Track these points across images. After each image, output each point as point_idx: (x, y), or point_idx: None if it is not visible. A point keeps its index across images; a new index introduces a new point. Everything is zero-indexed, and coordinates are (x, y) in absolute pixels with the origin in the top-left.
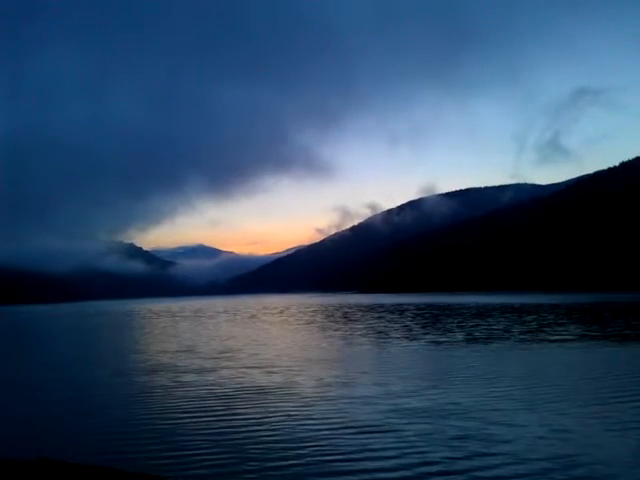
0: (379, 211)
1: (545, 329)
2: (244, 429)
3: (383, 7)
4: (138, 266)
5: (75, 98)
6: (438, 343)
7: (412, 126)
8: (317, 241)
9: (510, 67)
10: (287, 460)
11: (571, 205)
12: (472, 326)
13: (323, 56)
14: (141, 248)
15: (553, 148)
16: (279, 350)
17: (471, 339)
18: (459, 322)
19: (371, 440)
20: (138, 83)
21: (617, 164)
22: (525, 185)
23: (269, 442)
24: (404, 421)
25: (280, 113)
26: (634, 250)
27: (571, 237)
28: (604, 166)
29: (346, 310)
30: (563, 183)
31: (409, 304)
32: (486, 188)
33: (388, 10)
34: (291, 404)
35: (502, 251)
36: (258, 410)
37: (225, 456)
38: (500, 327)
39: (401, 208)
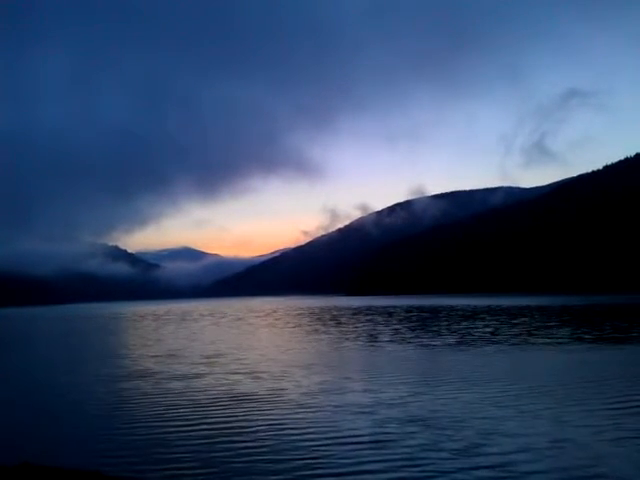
0: (368, 213)
1: (536, 332)
2: (229, 439)
3: (380, 4)
4: (122, 269)
5: (57, 96)
6: (428, 347)
7: (405, 127)
8: (304, 243)
9: (507, 68)
10: (274, 474)
11: (557, 208)
12: (462, 329)
13: (316, 55)
14: (125, 250)
15: (543, 150)
16: (266, 355)
17: (462, 342)
18: (449, 325)
19: (364, 452)
20: (123, 79)
21: (601, 167)
22: (515, 188)
23: (255, 454)
24: (397, 431)
25: (271, 112)
26: (619, 253)
27: (558, 239)
28: (592, 169)
29: (334, 313)
30: (548, 186)
31: (397, 306)
32: (476, 190)
33: (385, 8)
34: (279, 413)
35: (490, 254)
36: (244, 419)
37: (208, 464)
38: (490, 330)
39: (391, 209)
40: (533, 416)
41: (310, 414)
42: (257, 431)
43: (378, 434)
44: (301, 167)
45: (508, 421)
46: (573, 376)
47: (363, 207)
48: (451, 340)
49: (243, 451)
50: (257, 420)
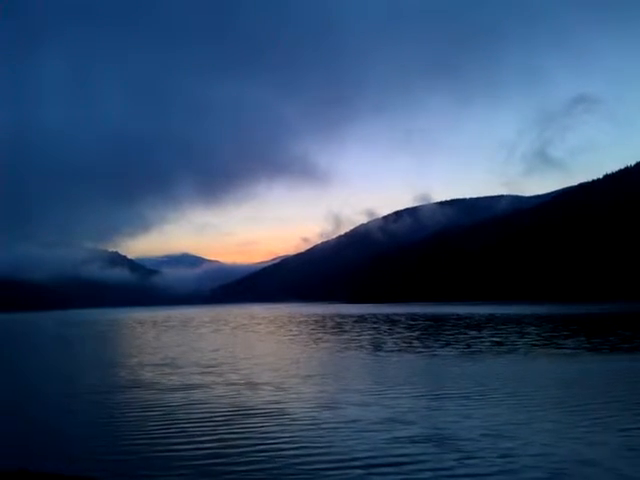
0: (371, 219)
1: (545, 341)
2: (223, 454)
3: (391, 8)
4: (122, 274)
5: (57, 98)
6: (436, 356)
7: (413, 133)
8: (306, 249)
9: (518, 74)
10: None
11: (558, 216)
12: (469, 338)
13: (326, 59)
14: (125, 256)
15: (548, 157)
16: (267, 364)
17: (470, 352)
18: (455, 334)
19: (370, 475)
20: (125, 81)
21: (601, 176)
22: (519, 196)
23: (249, 471)
24: (409, 451)
25: (278, 116)
26: (620, 262)
27: (560, 248)
28: (596, 176)
29: (337, 320)
30: (553, 192)
31: (401, 314)
32: (481, 198)
33: (396, 13)
34: (278, 429)
35: (492, 262)
36: (240, 435)
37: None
38: (498, 339)
39: (394, 216)
40: (555, 434)
41: (312, 431)
42: (253, 448)
43: (387, 453)
44: (307, 173)
45: (528, 439)
46: (591, 389)
47: (368, 214)
48: (459, 350)
49: (236, 468)
50: (254, 437)
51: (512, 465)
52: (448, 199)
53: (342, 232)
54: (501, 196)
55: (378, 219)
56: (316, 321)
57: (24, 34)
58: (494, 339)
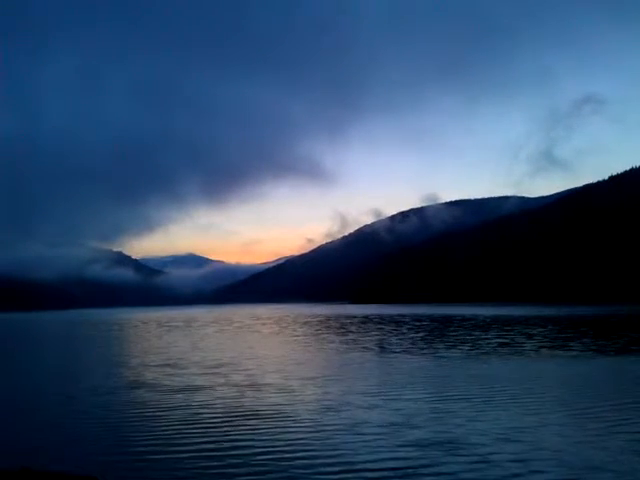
0: (377, 219)
1: (552, 343)
2: (227, 458)
3: (397, 8)
4: (126, 274)
5: (62, 98)
6: (443, 358)
7: (420, 133)
8: (310, 250)
9: (527, 73)
10: None
11: (563, 217)
12: (475, 339)
13: (333, 57)
14: (130, 256)
15: (555, 158)
16: (271, 365)
17: (477, 354)
18: (460, 335)
19: None
20: (130, 81)
21: (606, 177)
22: (527, 197)
23: (259, 478)
24: (421, 458)
25: (283, 115)
26: (624, 263)
27: (565, 250)
28: (601, 178)
29: (342, 321)
30: (555, 195)
31: (405, 315)
32: (488, 198)
33: (402, 12)
34: (282, 433)
35: (498, 263)
36: (247, 438)
37: None
38: (505, 340)
39: (400, 216)
40: (565, 438)
41: (316, 434)
42: (256, 452)
43: (394, 458)
44: (312, 173)
45: (538, 443)
46: (600, 391)
47: (374, 214)
48: (465, 351)
49: (238, 472)
50: (257, 439)
51: (523, 471)
52: (454, 199)
53: (347, 232)
54: (507, 197)
55: (384, 219)
56: (321, 322)
57: (28, 34)
58: (500, 340)
